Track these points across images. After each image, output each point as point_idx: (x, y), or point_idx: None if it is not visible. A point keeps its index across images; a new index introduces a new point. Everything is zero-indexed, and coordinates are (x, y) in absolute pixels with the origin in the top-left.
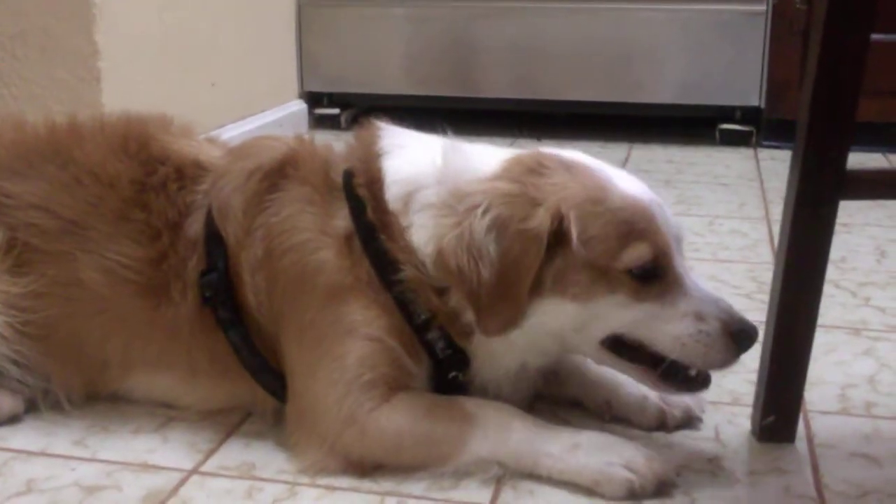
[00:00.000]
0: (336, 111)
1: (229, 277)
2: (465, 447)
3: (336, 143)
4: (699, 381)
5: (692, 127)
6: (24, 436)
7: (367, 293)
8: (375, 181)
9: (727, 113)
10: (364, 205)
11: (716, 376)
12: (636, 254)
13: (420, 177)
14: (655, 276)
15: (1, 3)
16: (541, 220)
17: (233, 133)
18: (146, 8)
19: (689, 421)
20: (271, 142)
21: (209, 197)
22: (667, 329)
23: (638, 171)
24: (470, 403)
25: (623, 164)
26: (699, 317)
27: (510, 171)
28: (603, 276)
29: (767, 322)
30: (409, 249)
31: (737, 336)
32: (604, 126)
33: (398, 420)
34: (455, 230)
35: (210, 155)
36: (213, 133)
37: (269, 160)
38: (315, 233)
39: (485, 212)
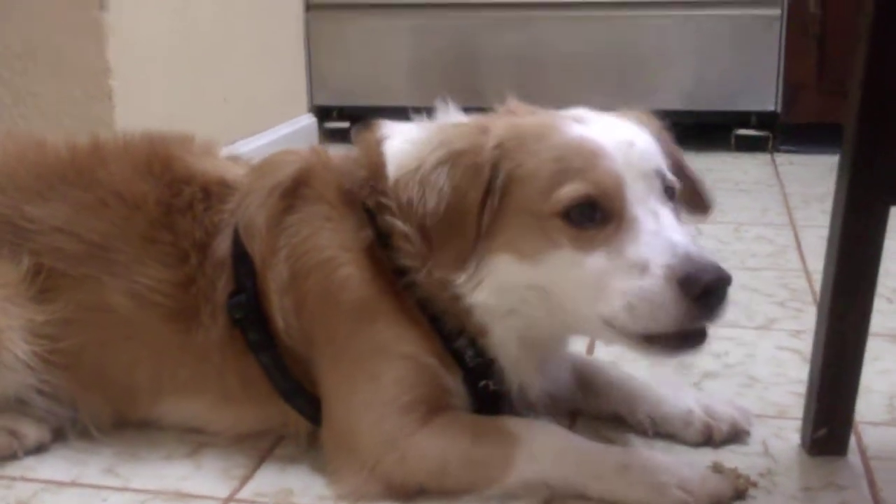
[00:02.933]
0: (346, 125)
1: (258, 298)
2: (511, 469)
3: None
4: (684, 339)
5: (707, 133)
6: (52, 465)
7: (393, 305)
8: (378, 175)
9: (742, 118)
10: (373, 214)
11: (760, 390)
12: (567, 192)
13: (411, 146)
14: (600, 221)
15: (12, 21)
16: (485, 152)
17: (245, 148)
18: (157, 25)
19: (737, 435)
20: (288, 157)
21: (236, 216)
22: (614, 286)
23: None
24: (514, 423)
25: None
26: (643, 267)
27: (482, 118)
28: (540, 224)
29: (817, 332)
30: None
31: (686, 283)
32: None
33: (440, 443)
34: (412, 165)
35: (234, 173)
36: (226, 149)
37: (285, 177)
38: (336, 249)
39: (438, 146)
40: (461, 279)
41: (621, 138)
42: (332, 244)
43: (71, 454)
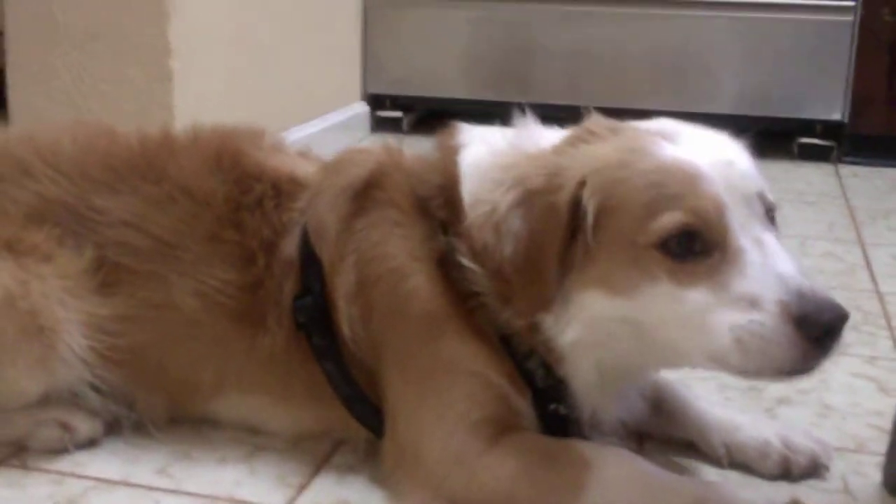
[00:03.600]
0: (399, 114)
1: (325, 302)
2: (581, 496)
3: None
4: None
5: (768, 140)
6: (103, 462)
7: (461, 320)
8: (452, 185)
9: (807, 126)
10: (444, 225)
11: (837, 420)
12: (664, 222)
13: (489, 161)
14: (700, 252)
15: (75, 0)
16: (563, 191)
17: (298, 135)
18: (219, 8)
19: (816, 469)
20: (360, 155)
21: (305, 215)
22: (720, 321)
23: None
24: (586, 448)
25: None
26: (753, 301)
27: (558, 144)
28: (634, 257)
29: None
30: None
31: (804, 323)
32: None
33: (510, 464)
34: (486, 207)
35: (305, 170)
36: (280, 135)
37: (357, 178)
38: (405, 258)
39: (512, 187)
40: (547, 321)
41: (719, 157)
42: (401, 252)
43: (123, 451)
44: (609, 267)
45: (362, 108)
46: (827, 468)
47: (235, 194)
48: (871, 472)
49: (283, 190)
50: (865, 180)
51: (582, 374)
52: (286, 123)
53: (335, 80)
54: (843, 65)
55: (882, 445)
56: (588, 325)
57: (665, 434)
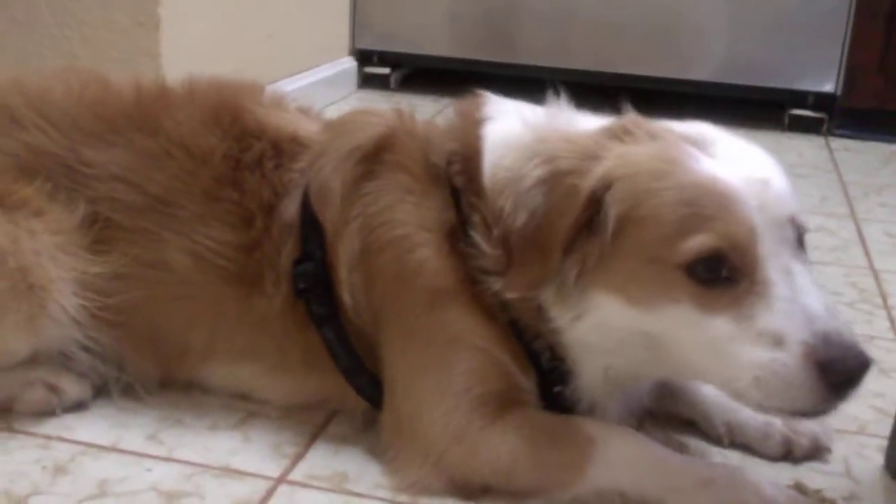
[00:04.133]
0: (386, 70)
1: (326, 268)
2: (584, 475)
3: (385, 107)
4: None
5: (759, 110)
6: (93, 427)
7: (469, 296)
8: (473, 156)
9: (798, 98)
10: (460, 195)
11: None
12: (694, 244)
13: (516, 139)
14: (727, 278)
15: None
16: (587, 180)
17: (285, 89)
18: None
19: (818, 451)
20: (370, 118)
21: (307, 176)
22: (739, 354)
23: None
24: (590, 425)
25: None
26: (777, 339)
27: (596, 133)
28: (657, 273)
29: None
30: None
31: (826, 369)
32: (663, 103)
33: (512, 440)
34: (510, 174)
35: (308, 129)
36: (281, 91)
37: (366, 140)
38: (414, 227)
39: (542, 163)
40: (564, 315)
41: (755, 176)
42: (411, 220)
43: (112, 415)
44: (629, 277)
45: (350, 64)
46: (829, 450)
47: (234, 152)
48: (874, 455)
49: (284, 150)
50: (857, 154)
51: (587, 373)
52: (274, 76)
53: (324, 34)
54: (838, 36)
55: (883, 427)
56: (598, 329)
57: (666, 411)
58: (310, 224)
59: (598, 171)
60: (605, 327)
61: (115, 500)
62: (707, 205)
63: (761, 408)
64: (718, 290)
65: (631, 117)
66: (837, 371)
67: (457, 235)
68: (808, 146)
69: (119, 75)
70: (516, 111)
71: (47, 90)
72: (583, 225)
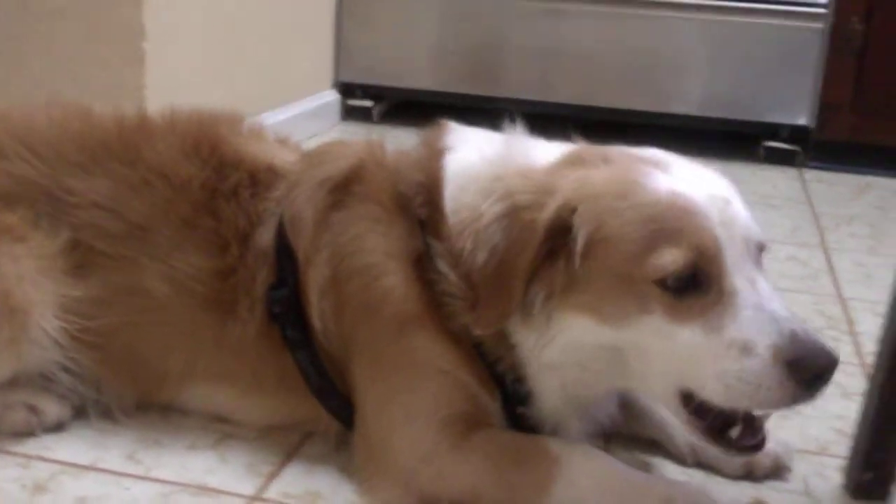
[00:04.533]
0: (369, 104)
1: (299, 294)
2: (548, 494)
3: (368, 136)
4: (747, 445)
5: (734, 142)
6: (72, 447)
7: (435, 322)
8: (435, 187)
9: (773, 130)
10: (423, 225)
11: (800, 423)
12: (666, 260)
13: (476, 168)
14: (699, 289)
15: None
16: (544, 211)
17: (269, 121)
18: None
19: (778, 470)
20: (342, 148)
21: (281, 206)
22: (707, 363)
23: None
24: (554, 444)
25: None
26: (746, 348)
27: (551, 164)
28: (628, 289)
29: (874, 378)
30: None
31: (795, 367)
32: (641, 135)
33: (478, 461)
34: (469, 213)
35: (284, 160)
36: (259, 122)
37: (338, 171)
38: (381, 255)
39: (498, 200)
40: (530, 340)
41: (716, 194)
42: (379, 249)
43: (91, 435)
44: (599, 295)
45: (333, 96)
46: (789, 469)
47: (212, 181)
48: (833, 475)
49: (259, 179)
50: (830, 186)
51: (548, 393)
52: (257, 109)
53: (307, 66)
54: (812, 71)
55: (843, 448)
56: (566, 348)
57: (631, 432)
58: (284, 251)
59: (555, 201)
60: (573, 346)
61: None
62: (672, 219)
63: (725, 407)
64: (689, 300)
65: (583, 145)
66: (805, 368)
67: (423, 263)
68: (782, 178)
69: (104, 108)
70: (475, 141)
71: (31, 121)
72: (544, 256)
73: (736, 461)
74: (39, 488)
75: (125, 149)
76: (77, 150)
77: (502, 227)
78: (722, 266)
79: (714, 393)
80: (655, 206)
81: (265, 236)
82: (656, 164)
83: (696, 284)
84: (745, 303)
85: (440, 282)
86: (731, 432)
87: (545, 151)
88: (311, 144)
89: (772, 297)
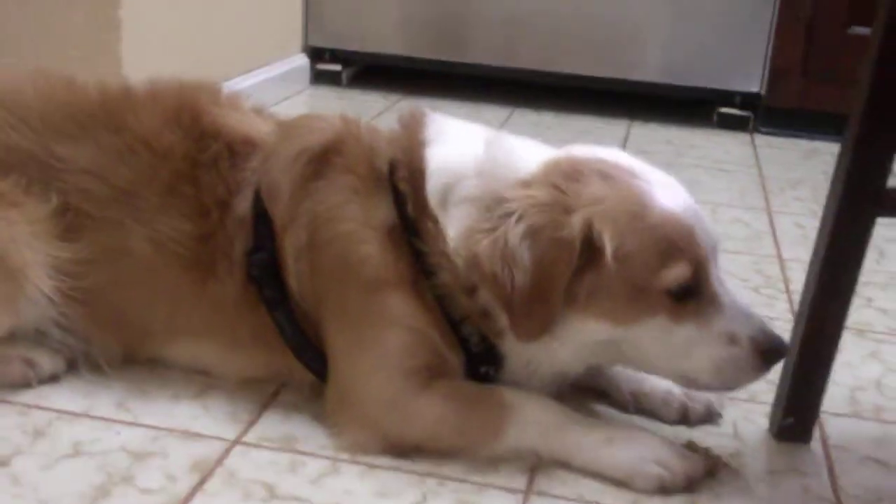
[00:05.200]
0: (338, 68)
1: (276, 258)
2: (502, 436)
3: (338, 103)
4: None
5: (690, 108)
6: (65, 396)
7: (408, 288)
8: (417, 172)
9: (726, 97)
10: (406, 200)
11: None
12: (676, 273)
13: (461, 168)
14: (693, 294)
15: None
16: (572, 229)
17: (239, 86)
18: None
19: (710, 416)
20: (318, 122)
21: (258, 175)
22: (703, 352)
23: (639, 152)
24: (508, 393)
25: (623, 143)
26: (732, 338)
27: (547, 176)
28: (641, 297)
29: (795, 328)
30: (444, 253)
31: (767, 355)
32: (603, 101)
33: (438, 406)
34: (490, 236)
35: (260, 130)
36: (225, 85)
37: (315, 143)
38: (359, 224)
39: (519, 219)
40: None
41: (692, 207)
42: (357, 218)
43: (83, 386)
44: (614, 302)
45: (302, 61)
46: (720, 415)
47: (193, 152)
48: (760, 420)
49: (237, 151)
50: (779, 150)
51: (522, 370)
52: (228, 73)
53: (277, 31)
54: (763, 39)
55: (772, 396)
56: (577, 347)
57: (582, 384)
58: (261, 218)
59: (578, 221)
60: (583, 345)
61: (90, 458)
62: (678, 239)
63: (711, 389)
64: (685, 304)
65: (574, 155)
66: (776, 356)
67: (397, 234)
68: (734, 143)
69: (82, 75)
70: (455, 136)
71: (18, 92)
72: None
73: (672, 408)
74: (39, 434)
75: (110, 117)
76: (63, 119)
77: (527, 247)
78: (708, 272)
79: (708, 376)
80: (664, 227)
81: (243, 204)
82: (640, 179)
83: (691, 290)
84: (724, 303)
85: (421, 256)
86: None
87: (527, 155)
88: (281, 108)
89: (737, 296)
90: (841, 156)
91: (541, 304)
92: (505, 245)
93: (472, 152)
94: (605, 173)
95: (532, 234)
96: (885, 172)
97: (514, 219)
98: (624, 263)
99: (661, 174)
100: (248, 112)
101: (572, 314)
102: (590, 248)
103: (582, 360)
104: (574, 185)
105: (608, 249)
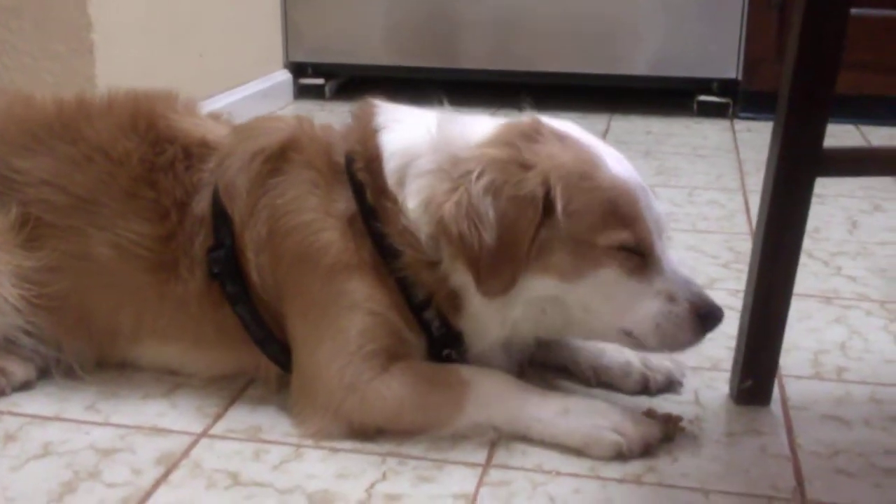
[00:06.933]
0: (320, 81)
1: (236, 254)
2: (461, 413)
3: (321, 115)
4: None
5: (670, 98)
6: (37, 402)
7: (369, 273)
8: (374, 159)
9: (705, 85)
10: (364, 188)
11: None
12: (618, 237)
13: (416, 147)
14: (636, 254)
15: None
16: (533, 186)
17: (221, 103)
18: None
19: (671, 385)
20: (274, 123)
21: (215, 175)
22: (643, 306)
23: (618, 143)
24: (466, 371)
25: (603, 134)
26: (671, 297)
27: (503, 136)
28: (587, 253)
29: (746, 291)
30: (405, 230)
31: (704, 318)
32: (584, 97)
33: (397, 388)
34: (452, 196)
35: (216, 133)
36: (202, 104)
37: (272, 143)
38: (319, 214)
39: (479, 176)
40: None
41: (639, 181)
42: (318, 208)
43: (55, 391)
44: (562, 257)
45: (285, 76)
46: (681, 384)
47: (150, 156)
48: (722, 387)
49: (193, 153)
50: (757, 134)
51: (482, 343)
52: (209, 91)
53: (257, 48)
54: (737, 26)
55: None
56: (528, 304)
57: (543, 360)
58: (220, 216)
59: (536, 176)
60: (533, 301)
61: (59, 457)
62: (623, 205)
63: (653, 349)
64: (630, 261)
65: (529, 120)
66: (712, 321)
67: (357, 222)
68: (713, 129)
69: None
70: (408, 119)
71: None
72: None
73: (633, 379)
74: (10, 437)
75: (66, 128)
76: (20, 133)
77: (490, 202)
78: (650, 242)
79: (648, 331)
80: (612, 190)
81: (201, 204)
82: (593, 146)
83: (633, 251)
84: (667, 267)
85: (382, 241)
86: None
87: (480, 127)
88: None
89: (679, 265)
90: (776, 122)
91: (507, 260)
92: (469, 203)
93: (424, 132)
94: (560, 136)
95: (494, 190)
96: (820, 133)
97: (474, 175)
98: (571, 219)
99: (614, 150)
100: (204, 117)
101: (524, 273)
102: (544, 204)
103: (531, 319)
104: (530, 145)
105: (559, 205)
